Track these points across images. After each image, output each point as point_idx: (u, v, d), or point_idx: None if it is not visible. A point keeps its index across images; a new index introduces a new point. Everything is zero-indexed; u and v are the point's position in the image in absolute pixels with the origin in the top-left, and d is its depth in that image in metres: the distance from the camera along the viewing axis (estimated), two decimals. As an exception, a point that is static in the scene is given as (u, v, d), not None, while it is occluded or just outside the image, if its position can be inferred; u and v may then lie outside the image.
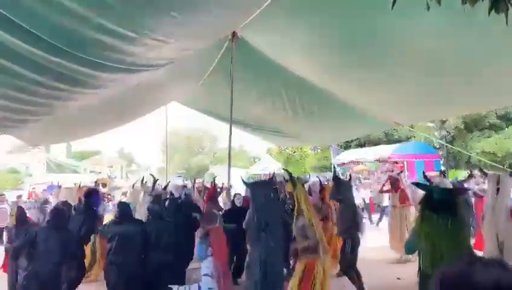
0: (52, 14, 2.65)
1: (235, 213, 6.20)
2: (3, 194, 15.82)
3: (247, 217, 5.07)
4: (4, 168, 42.13)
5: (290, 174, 5.09)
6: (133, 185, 9.58)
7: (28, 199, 13.23)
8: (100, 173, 30.80)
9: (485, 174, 6.06)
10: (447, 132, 24.98)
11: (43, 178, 26.90)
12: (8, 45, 2.77)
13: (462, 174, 17.14)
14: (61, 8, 2.57)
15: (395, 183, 8.59)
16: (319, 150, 34.38)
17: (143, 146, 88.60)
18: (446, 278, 0.82)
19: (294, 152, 35.22)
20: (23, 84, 3.51)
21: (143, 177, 8.87)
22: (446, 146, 21.76)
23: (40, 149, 29.66)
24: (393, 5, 1.94)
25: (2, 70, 3.13)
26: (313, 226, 4.41)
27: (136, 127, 39.75)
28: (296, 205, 4.58)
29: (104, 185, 9.16)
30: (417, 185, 4.44)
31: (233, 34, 5.94)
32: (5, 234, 7.42)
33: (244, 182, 5.56)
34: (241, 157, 47.56)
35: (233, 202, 6.88)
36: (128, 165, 46.71)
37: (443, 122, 24.52)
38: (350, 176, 8.72)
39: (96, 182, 11.09)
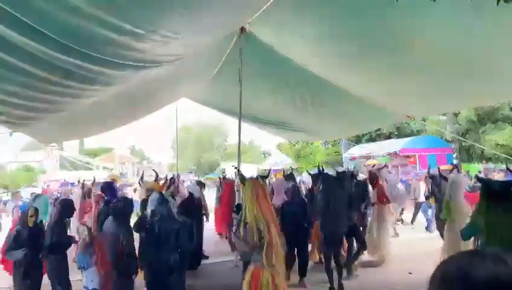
0: (60, 13, 2.67)
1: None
2: (19, 191, 16.10)
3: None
4: (19, 166, 42.86)
5: (238, 171, 4.95)
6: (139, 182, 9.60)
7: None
8: (112, 169, 31.13)
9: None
10: (460, 124, 24.68)
11: (56, 175, 27.30)
12: (18, 43, 2.80)
13: (476, 167, 16.94)
14: (70, 6, 2.59)
15: (373, 179, 8.17)
16: (329, 145, 34.25)
17: (154, 143, 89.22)
18: (445, 272, 0.82)
19: (305, 147, 35.12)
20: (34, 82, 3.56)
21: (142, 174, 8.79)
22: (459, 139, 21.51)
23: (53, 146, 30.04)
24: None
25: (13, 69, 3.17)
26: (258, 230, 4.12)
27: (147, 124, 40.03)
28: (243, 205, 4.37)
29: (115, 181, 9.24)
30: (478, 179, 4.62)
31: (242, 29, 5.93)
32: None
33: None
34: (252, 153, 47.66)
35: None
36: (139, 162, 47.13)
37: (455, 115, 24.22)
38: (350, 171, 8.21)
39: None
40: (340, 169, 9.11)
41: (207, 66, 7.26)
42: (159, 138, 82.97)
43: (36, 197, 7.60)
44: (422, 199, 11.54)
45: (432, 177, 8.60)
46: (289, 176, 8.91)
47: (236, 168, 5.39)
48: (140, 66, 4.16)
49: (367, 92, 6.88)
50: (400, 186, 12.26)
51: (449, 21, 3.88)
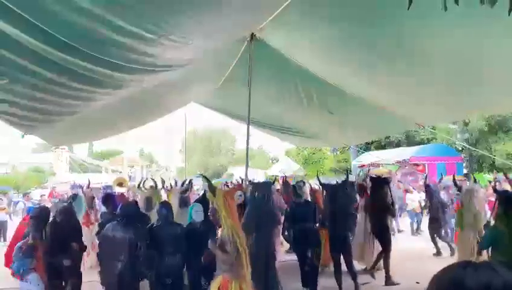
0: (72, 16, 2.71)
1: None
2: (29, 193, 16.26)
3: None
4: (30, 167, 43.30)
5: (207, 180, 4.77)
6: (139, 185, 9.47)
7: (49, 198, 13.51)
8: (121, 172, 31.31)
9: None
10: (470, 133, 24.45)
11: (66, 177, 27.53)
12: (29, 46, 2.85)
13: (486, 177, 16.75)
14: (81, 10, 2.63)
15: (361, 189, 8.09)
16: (338, 152, 34.12)
17: (163, 146, 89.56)
18: (440, 283, 0.83)
19: (313, 153, 35.02)
20: (46, 85, 3.61)
21: (144, 181, 8.67)
22: (469, 148, 21.30)
23: (63, 148, 30.32)
24: (409, 5, 1.92)
25: (24, 71, 3.22)
26: (235, 240, 4.10)
27: (157, 128, 40.25)
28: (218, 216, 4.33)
29: (121, 185, 9.26)
30: (495, 190, 5.12)
31: (252, 35, 5.96)
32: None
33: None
34: (260, 158, 47.65)
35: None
36: (148, 165, 47.36)
37: (466, 124, 24.02)
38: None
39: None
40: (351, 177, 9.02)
41: (217, 71, 7.31)
42: (167, 141, 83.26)
43: (74, 197, 7.56)
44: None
45: (427, 186, 8.59)
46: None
47: (204, 177, 5.25)
48: (150, 70, 4.20)
49: (376, 99, 6.87)
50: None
51: (460, 29, 3.87)
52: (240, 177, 6.83)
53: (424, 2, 2.40)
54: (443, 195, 9.64)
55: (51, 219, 5.34)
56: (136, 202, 5.97)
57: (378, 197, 7.26)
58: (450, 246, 8.84)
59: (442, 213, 9.10)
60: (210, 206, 5.43)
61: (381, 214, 7.17)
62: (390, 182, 8.13)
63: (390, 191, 7.50)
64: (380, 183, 7.46)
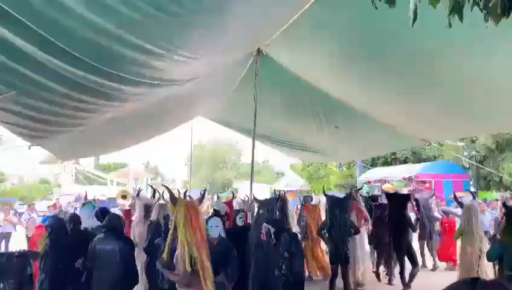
0: (81, 30, 2.75)
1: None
2: (33, 204, 16.31)
3: None
4: (36, 179, 43.57)
5: (169, 190, 4.49)
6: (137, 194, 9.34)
7: (54, 210, 13.51)
8: (126, 185, 31.37)
9: None
10: (477, 151, 24.28)
11: (71, 189, 27.63)
12: (38, 59, 2.89)
13: (493, 195, 16.58)
14: (91, 24, 2.67)
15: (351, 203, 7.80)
16: (344, 168, 33.99)
17: (168, 159, 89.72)
18: None
19: (319, 169, 34.92)
20: (53, 97, 3.65)
21: (139, 190, 8.60)
22: (476, 166, 21.13)
23: (69, 161, 30.51)
24: (413, 22, 1.93)
25: (33, 84, 3.26)
26: (191, 256, 3.81)
27: (162, 141, 40.40)
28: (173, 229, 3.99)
29: (124, 197, 9.20)
30: (504, 206, 5.17)
31: (258, 50, 6.02)
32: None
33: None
34: (265, 173, 47.57)
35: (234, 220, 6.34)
36: (154, 178, 47.43)
37: (473, 141, 23.90)
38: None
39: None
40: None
41: (223, 85, 7.35)
42: (173, 155, 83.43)
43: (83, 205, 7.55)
44: None
45: (416, 200, 8.57)
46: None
47: (166, 187, 4.98)
48: (157, 84, 4.23)
49: (383, 114, 6.86)
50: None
51: (468, 47, 3.88)
52: (246, 195, 6.76)
53: (429, 20, 2.40)
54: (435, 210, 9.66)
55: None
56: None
57: (397, 213, 7.38)
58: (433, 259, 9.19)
59: (428, 227, 9.14)
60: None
61: (403, 231, 7.28)
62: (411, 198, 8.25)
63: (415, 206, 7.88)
64: (399, 199, 7.63)
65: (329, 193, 7.82)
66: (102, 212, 6.60)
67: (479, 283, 0.81)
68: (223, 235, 4.63)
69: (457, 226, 7.70)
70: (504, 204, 5.85)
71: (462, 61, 4.27)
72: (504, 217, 5.01)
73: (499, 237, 5.00)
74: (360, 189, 10.04)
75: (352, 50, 4.95)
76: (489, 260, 4.80)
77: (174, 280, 3.98)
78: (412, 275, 7.17)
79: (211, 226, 4.61)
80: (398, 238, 7.34)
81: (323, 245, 7.88)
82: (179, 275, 3.84)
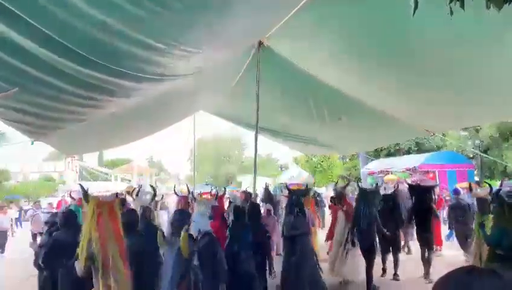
0: (83, 26, 2.75)
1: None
2: (39, 201, 16.44)
3: None
4: (40, 176, 43.81)
5: (82, 188, 4.45)
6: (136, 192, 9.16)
7: (58, 208, 13.56)
8: (130, 181, 31.48)
9: None
10: (481, 140, 24.19)
11: (76, 186, 27.75)
12: (41, 56, 2.90)
13: (497, 184, 16.53)
14: (93, 21, 2.67)
15: (340, 198, 7.91)
16: (347, 159, 33.95)
17: (172, 155, 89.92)
18: (444, 287, 0.83)
19: (322, 161, 34.89)
20: (57, 94, 3.66)
21: (139, 187, 8.47)
22: (480, 155, 21.07)
23: (73, 157, 30.63)
24: (414, 11, 1.91)
25: (36, 81, 3.27)
26: (90, 252, 3.88)
27: (166, 136, 40.47)
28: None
29: (129, 193, 9.16)
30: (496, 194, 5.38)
31: (260, 43, 5.99)
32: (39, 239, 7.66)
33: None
34: (269, 166, 47.56)
35: None
36: (157, 174, 47.58)
37: (476, 131, 23.80)
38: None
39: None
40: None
41: (225, 79, 7.34)
42: (177, 150, 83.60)
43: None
44: None
45: (411, 187, 8.64)
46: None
47: (80, 186, 4.88)
48: (159, 79, 4.23)
49: (386, 106, 6.84)
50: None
51: (471, 37, 3.85)
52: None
53: (431, 9, 2.38)
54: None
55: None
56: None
57: (424, 203, 7.82)
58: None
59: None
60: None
61: (428, 218, 7.76)
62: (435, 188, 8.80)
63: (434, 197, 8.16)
64: (424, 191, 8.07)
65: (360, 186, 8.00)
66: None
67: (474, 271, 0.82)
68: (205, 229, 4.50)
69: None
70: (491, 191, 6.26)
71: (465, 51, 4.23)
72: (494, 204, 5.31)
73: (492, 222, 5.26)
74: (347, 185, 10.02)
75: (355, 41, 4.92)
76: (489, 244, 4.99)
77: (79, 272, 4.03)
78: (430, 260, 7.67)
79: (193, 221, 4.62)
80: (426, 224, 7.79)
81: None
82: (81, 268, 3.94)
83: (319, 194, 11.56)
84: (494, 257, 4.71)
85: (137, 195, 7.41)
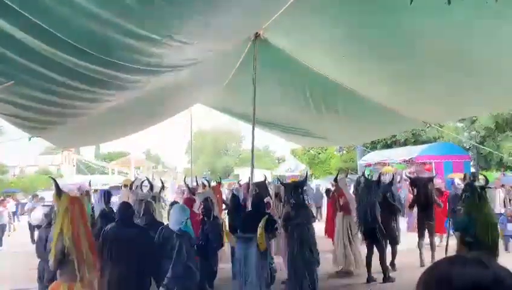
0: (77, 19, 2.73)
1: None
2: (37, 194, 16.41)
3: None
4: (37, 170, 43.70)
5: (55, 182, 4.47)
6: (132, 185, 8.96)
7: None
8: (127, 174, 31.47)
9: None
10: (477, 131, 24.27)
11: (73, 179, 27.73)
12: (37, 49, 2.88)
13: (493, 175, 16.63)
14: (87, 12, 2.65)
15: (338, 189, 8.04)
16: (344, 151, 34.03)
17: (169, 148, 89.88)
18: (429, 280, 0.83)
19: (319, 153, 34.97)
20: (53, 88, 3.64)
21: (135, 180, 8.43)
22: (476, 147, 21.16)
23: (70, 151, 30.56)
24: (411, 0, 1.91)
25: (31, 74, 3.25)
26: (63, 246, 3.96)
27: (163, 129, 40.37)
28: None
29: (126, 186, 9.17)
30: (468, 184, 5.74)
31: (256, 34, 5.96)
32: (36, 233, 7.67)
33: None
34: (266, 159, 47.64)
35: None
36: (155, 167, 47.53)
37: (473, 122, 23.87)
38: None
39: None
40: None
41: (221, 71, 7.32)
42: (174, 142, 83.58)
43: None
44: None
45: (412, 180, 8.94)
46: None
47: (52, 179, 4.86)
48: (155, 71, 4.21)
49: (383, 97, 6.85)
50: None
51: (466, 25, 3.85)
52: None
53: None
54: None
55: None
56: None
57: (425, 193, 8.20)
58: None
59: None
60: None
61: (430, 208, 8.15)
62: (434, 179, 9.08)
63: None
64: (425, 182, 8.44)
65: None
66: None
67: (459, 260, 0.82)
68: (178, 226, 4.56)
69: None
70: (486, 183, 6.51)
71: (463, 42, 4.24)
72: (466, 193, 5.52)
73: (462, 210, 5.55)
74: (346, 176, 10.12)
75: (352, 33, 4.91)
76: (456, 230, 5.35)
77: (50, 266, 4.11)
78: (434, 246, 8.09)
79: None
80: (430, 214, 8.16)
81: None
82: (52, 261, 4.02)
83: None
84: (464, 243, 5.01)
85: (131, 189, 7.39)
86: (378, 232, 6.96)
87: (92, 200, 8.17)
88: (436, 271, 0.84)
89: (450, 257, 0.87)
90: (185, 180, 8.58)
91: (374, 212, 6.96)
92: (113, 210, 5.97)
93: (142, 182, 8.35)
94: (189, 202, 7.84)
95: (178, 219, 4.53)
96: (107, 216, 5.60)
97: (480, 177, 9.91)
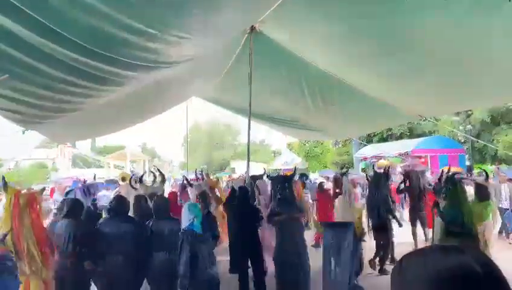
0: (73, 12, 2.71)
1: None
2: (32, 188, 16.29)
3: None
4: (32, 163, 43.47)
5: (3, 178, 4.50)
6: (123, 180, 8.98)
7: (51, 196, 13.44)
8: (123, 167, 31.40)
9: None
10: (472, 125, 24.38)
11: (69, 173, 27.64)
12: (31, 42, 2.86)
13: (488, 169, 16.71)
14: (84, 7, 2.64)
15: (339, 185, 8.18)
16: (340, 145, 34.11)
17: (165, 141, 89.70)
18: (408, 264, 0.84)
19: (315, 147, 35.02)
20: (48, 82, 3.61)
21: (132, 176, 8.22)
22: (471, 140, 21.26)
23: (66, 144, 30.41)
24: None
25: (26, 68, 3.23)
26: (9, 240, 3.99)
27: (159, 123, 40.24)
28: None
29: (124, 179, 9.13)
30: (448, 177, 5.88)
31: (252, 28, 5.94)
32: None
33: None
34: (262, 152, 47.63)
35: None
36: (151, 160, 47.44)
37: (468, 115, 23.98)
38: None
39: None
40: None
41: (217, 64, 7.29)
42: (170, 136, 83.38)
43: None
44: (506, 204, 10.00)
45: (406, 173, 9.10)
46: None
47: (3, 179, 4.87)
48: (152, 67, 4.19)
49: (378, 91, 6.85)
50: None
51: (462, 19, 3.85)
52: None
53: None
54: None
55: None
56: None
57: (418, 186, 8.55)
58: None
59: None
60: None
61: (422, 200, 8.49)
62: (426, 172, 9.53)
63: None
64: (417, 175, 8.78)
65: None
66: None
67: (439, 249, 0.84)
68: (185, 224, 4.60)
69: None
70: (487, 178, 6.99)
71: (458, 35, 4.23)
72: (448, 186, 5.72)
73: (446, 202, 5.64)
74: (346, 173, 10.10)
75: (349, 26, 4.89)
76: (443, 221, 5.38)
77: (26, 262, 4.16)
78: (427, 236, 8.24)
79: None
80: (419, 208, 8.49)
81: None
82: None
83: (307, 177, 11.59)
84: (449, 233, 5.18)
85: (141, 181, 7.30)
86: (388, 226, 7.19)
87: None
88: (416, 257, 0.85)
89: (431, 245, 0.89)
90: (158, 169, 8.38)
91: (385, 206, 7.15)
92: (96, 206, 5.95)
93: (154, 175, 8.19)
94: (173, 196, 7.86)
95: (185, 217, 4.55)
96: (91, 214, 5.59)
97: (476, 171, 10.00)
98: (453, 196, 5.47)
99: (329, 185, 10.36)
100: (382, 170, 8.08)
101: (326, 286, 5.20)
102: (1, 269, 3.29)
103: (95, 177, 9.27)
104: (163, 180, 7.68)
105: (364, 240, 5.87)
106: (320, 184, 10.41)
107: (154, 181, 7.66)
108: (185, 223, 4.52)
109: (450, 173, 6.34)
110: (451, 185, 5.60)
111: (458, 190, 5.49)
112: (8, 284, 3.28)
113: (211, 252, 4.58)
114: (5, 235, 3.93)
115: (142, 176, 7.05)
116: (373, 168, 8.53)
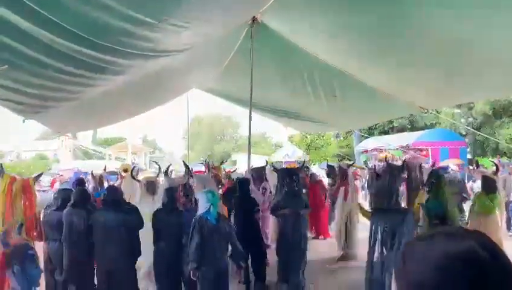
0: (73, 3, 2.70)
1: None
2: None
3: None
4: (33, 154, 43.57)
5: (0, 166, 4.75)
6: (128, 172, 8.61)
7: (52, 187, 13.51)
8: (125, 159, 31.43)
9: None
10: (474, 118, 24.31)
11: (70, 164, 27.68)
12: (31, 33, 2.84)
13: (489, 161, 16.70)
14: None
15: (344, 176, 8.04)
16: (341, 137, 34.07)
17: (166, 133, 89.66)
18: (411, 250, 0.84)
19: (317, 139, 34.96)
20: (47, 72, 3.60)
21: (133, 168, 8.18)
22: (473, 133, 21.21)
23: (67, 136, 30.39)
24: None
25: (25, 58, 3.22)
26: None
27: (160, 114, 40.21)
28: None
29: (126, 171, 9.12)
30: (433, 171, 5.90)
31: (253, 19, 5.90)
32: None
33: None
34: (263, 145, 47.62)
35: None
36: (152, 152, 47.44)
37: (470, 108, 23.90)
38: None
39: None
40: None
41: (218, 56, 7.26)
42: (171, 128, 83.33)
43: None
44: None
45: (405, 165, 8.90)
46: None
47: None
48: (151, 56, 4.17)
49: (380, 82, 6.82)
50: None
51: (465, 10, 3.81)
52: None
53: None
54: None
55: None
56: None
57: (416, 177, 8.04)
58: None
59: None
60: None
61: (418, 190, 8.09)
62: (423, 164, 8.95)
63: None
64: (415, 167, 8.32)
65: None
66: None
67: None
68: (202, 211, 4.61)
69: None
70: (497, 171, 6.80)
71: (461, 27, 4.20)
72: (432, 180, 5.77)
73: (429, 196, 5.70)
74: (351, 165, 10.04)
75: (351, 17, 4.86)
76: (428, 213, 5.42)
77: None
78: None
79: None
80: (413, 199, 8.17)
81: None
82: None
83: (308, 168, 11.63)
84: (431, 227, 5.21)
85: (166, 174, 7.21)
86: None
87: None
88: (420, 241, 0.85)
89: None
90: (184, 162, 8.29)
91: (397, 199, 6.95)
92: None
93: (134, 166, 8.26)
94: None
95: (201, 205, 4.58)
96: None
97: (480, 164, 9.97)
98: (436, 190, 5.54)
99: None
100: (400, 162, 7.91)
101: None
102: (24, 258, 3.35)
103: (105, 168, 9.29)
104: (189, 172, 7.60)
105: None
106: (313, 175, 10.39)
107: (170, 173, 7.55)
108: (201, 210, 4.52)
109: (434, 167, 6.44)
110: (434, 179, 5.70)
111: (441, 184, 5.57)
112: (30, 273, 3.37)
113: (222, 242, 4.57)
114: (21, 226, 4.01)
115: (168, 168, 6.92)
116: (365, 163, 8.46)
